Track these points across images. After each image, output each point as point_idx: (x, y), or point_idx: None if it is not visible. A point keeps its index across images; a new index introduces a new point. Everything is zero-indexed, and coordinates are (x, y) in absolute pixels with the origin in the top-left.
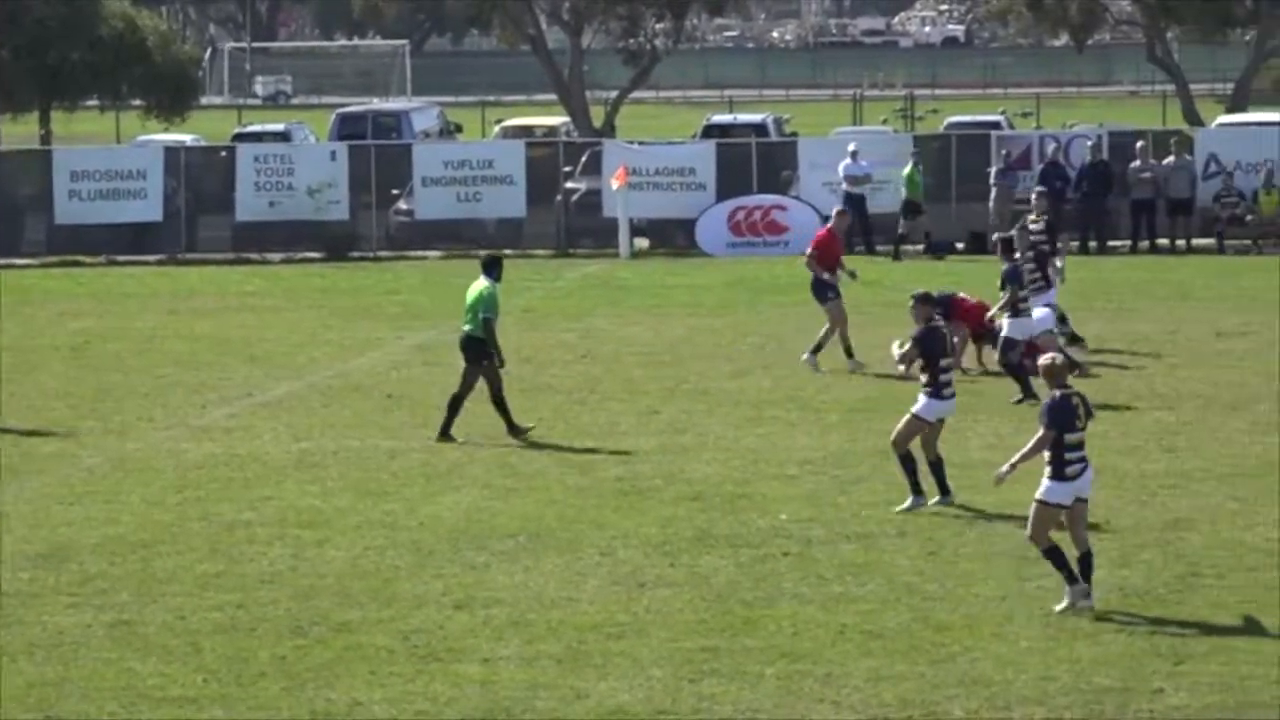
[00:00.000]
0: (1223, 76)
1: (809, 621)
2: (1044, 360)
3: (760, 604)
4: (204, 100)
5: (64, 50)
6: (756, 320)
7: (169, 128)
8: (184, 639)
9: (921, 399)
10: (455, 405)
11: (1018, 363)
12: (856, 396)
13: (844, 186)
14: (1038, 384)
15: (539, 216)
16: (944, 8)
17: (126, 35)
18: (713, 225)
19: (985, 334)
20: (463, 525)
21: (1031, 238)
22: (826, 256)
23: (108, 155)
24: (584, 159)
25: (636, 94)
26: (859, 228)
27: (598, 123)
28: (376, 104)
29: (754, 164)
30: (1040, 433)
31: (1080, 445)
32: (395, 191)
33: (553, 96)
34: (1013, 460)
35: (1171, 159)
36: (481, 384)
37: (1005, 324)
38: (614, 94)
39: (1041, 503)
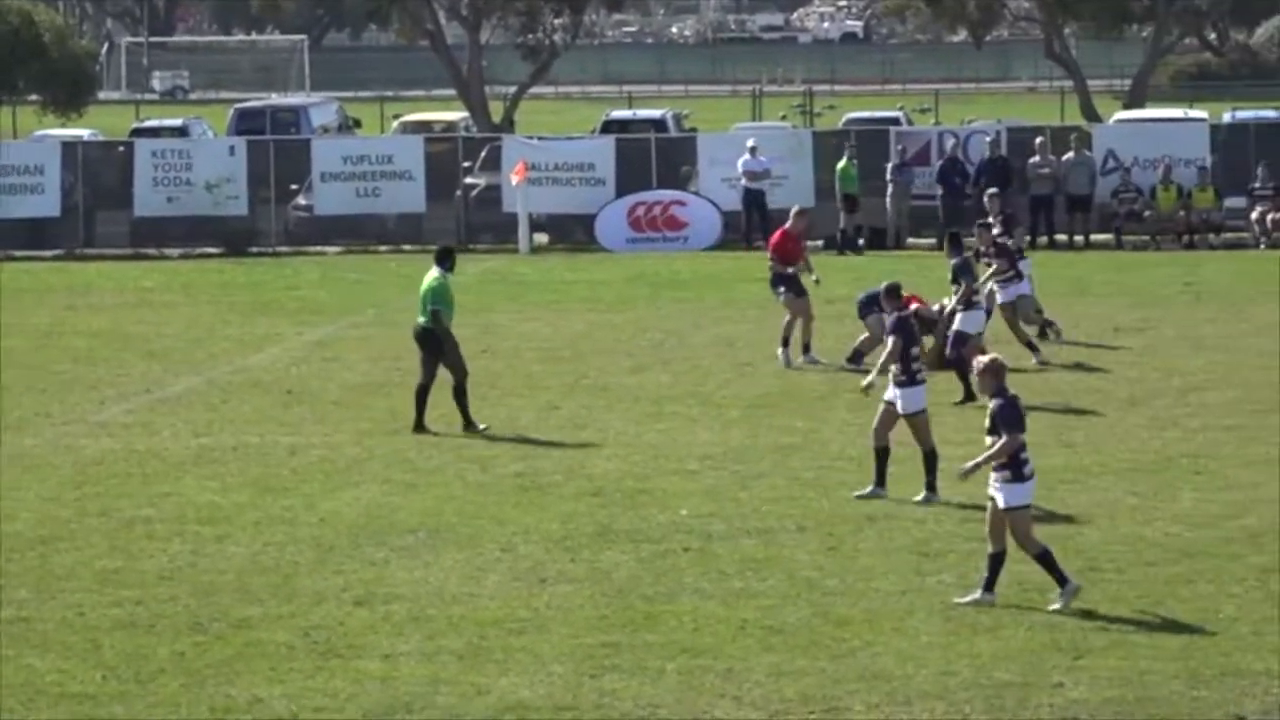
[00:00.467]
0: (1120, 73)
1: (710, 617)
2: (985, 360)
3: (661, 599)
4: (101, 95)
5: None
6: (656, 316)
7: (66, 123)
8: (83, 636)
9: (896, 390)
10: (421, 396)
11: (959, 359)
12: (756, 392)
13: (743, 182)
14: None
15: (438, 212)
16: (842, 4)
17: (23, 30)
18: (612, 221)
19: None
20: (363, 521)
21: (993, 236)
22: (786, 257)
23: (4, 150)
24: (483, 154)
25: (535, 89)
26: (759, 223)
27: (497, 118)
28: (275, 99)
29: (653, 159)
30: (1006, 438)
31: (1025, 445)
32: (294, 187)
33: (451, 92)
34: (977, 460)
35: (1070, 155)
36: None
37: (959, 318)
38: (513, 89)
39: (1016, 509)
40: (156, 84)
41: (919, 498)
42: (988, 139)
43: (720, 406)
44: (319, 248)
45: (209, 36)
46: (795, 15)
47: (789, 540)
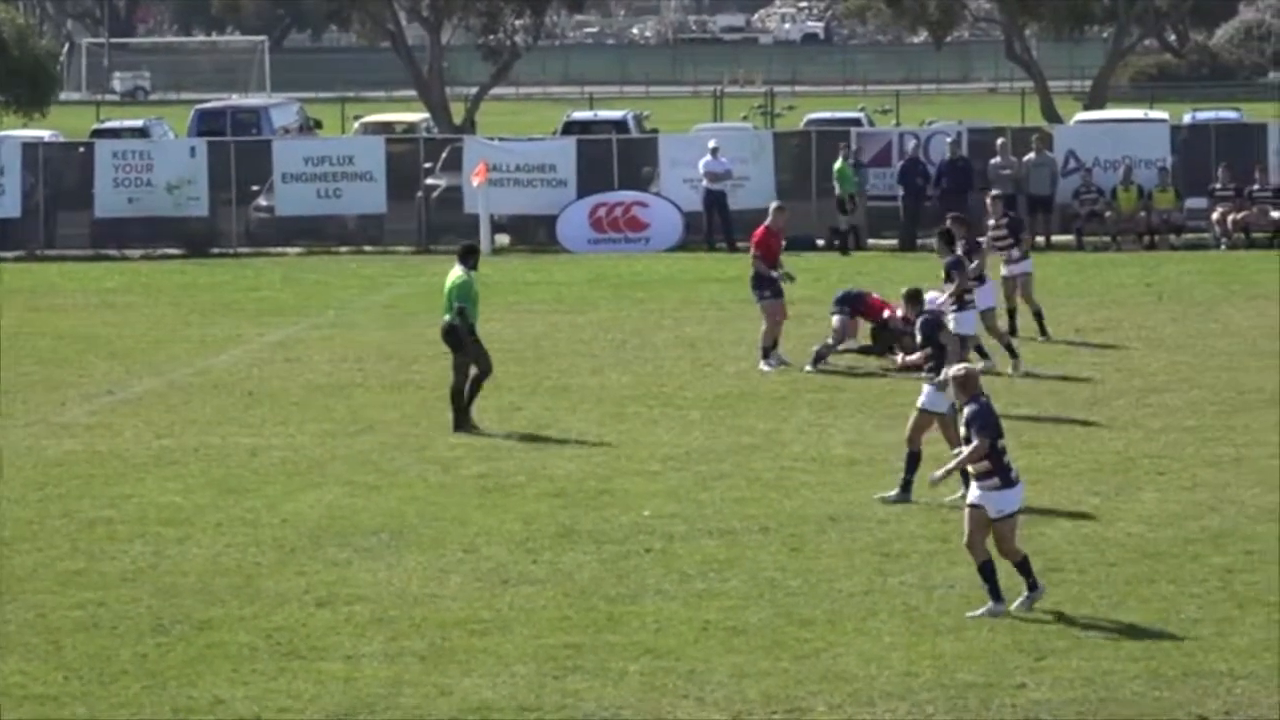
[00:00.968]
0: (1081, 74)
1: (672, 618)
2: (957, 370)
3: (623, 600)
4: (62, 96)
5: None
6: (618, 316)
7: (27, 123)
8: (45, 637)
9: (927, 389)
10: (457, 397)
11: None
12: (717, 393)
13: (704, 183)
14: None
15: (399, 213)
16: (803, 5)
17: None
18: (574, 221)
19: (887, 332)
20: (325, 522)
21: (994, 239)
22: (770, 255)
23: None
24: (444, 155)
25: (496, 90)
26: (720, 224)
27: (458, 119)
28: (236, 100)
29: (615, 160)
30: (975, 443)
31: (1006, 449)
32: (255, 188)
33: (412, 93)
34: (948, 466)
35: (1032, 156)
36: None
37: (951, 319)
38: (474, 90)
39: (1009, 516)
40: (117, 85)
41: (890, 494)
42: (949, 140)
43: (682, 407)
44: (280, 249)
45: (170, 37)
46: (756, 16)
47: (751, 541)
